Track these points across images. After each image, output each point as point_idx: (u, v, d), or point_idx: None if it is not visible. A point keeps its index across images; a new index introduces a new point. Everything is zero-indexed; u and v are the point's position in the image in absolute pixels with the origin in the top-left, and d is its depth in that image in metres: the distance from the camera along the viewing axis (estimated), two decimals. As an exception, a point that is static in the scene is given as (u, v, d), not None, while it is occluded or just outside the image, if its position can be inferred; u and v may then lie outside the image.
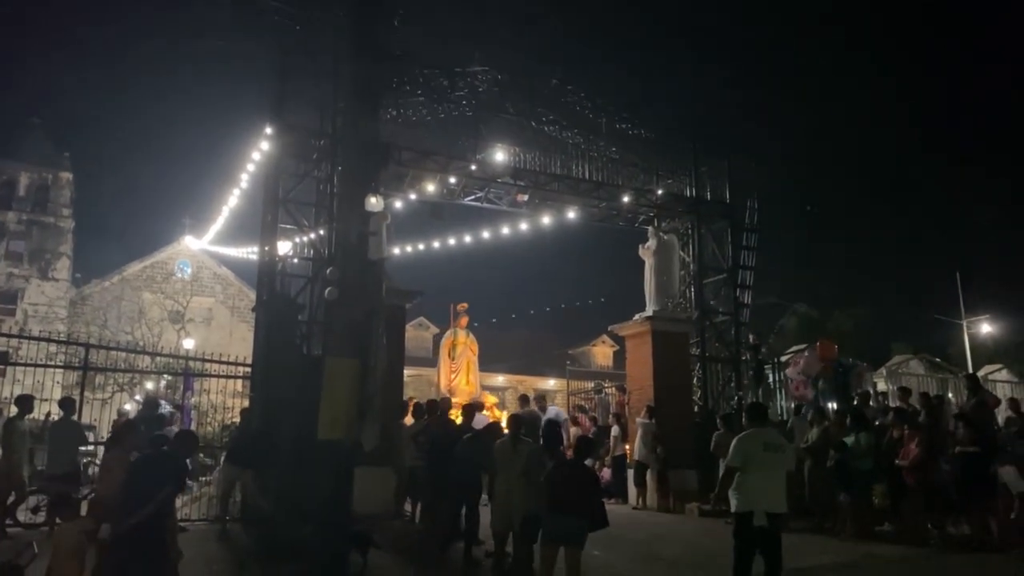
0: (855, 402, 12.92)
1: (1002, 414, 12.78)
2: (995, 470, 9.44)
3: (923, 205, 60.47)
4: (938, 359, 22.11)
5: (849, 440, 10.35)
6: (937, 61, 69.92)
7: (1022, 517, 9.52)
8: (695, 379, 14.91)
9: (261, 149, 12.59)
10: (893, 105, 71.29)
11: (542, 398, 15.36)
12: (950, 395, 16.82)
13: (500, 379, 33.96)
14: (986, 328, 30.22)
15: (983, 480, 9.38)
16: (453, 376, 16.61)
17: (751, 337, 15.86)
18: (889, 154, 65.66)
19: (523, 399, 14.72)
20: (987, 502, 9.52)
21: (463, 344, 16.84)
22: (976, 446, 9.46)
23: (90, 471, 13.02)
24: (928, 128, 68.61)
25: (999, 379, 18.75)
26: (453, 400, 15.70)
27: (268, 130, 11.94)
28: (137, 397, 22.77)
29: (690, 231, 15.69)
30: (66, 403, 10.19)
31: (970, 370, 21.11)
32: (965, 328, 28.81)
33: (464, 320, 17.08)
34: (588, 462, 13.65)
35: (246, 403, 12.07)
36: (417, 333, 35.46)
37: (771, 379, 15.80)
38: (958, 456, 9.62)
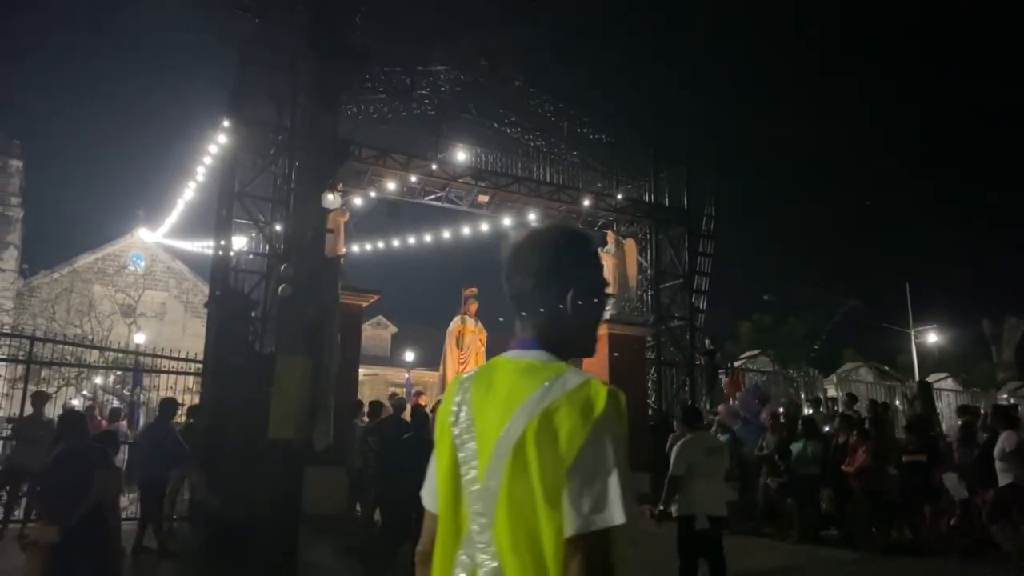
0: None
1: (946, 421, 13.15)
2: (939, 477, 9.70)
3: (876, 219, 61.84)
4: (887, 367, 22.63)
5: (796, 447, 10.55)
6: (893, 74, 71.62)
7: (962, 522, 9.81)
8: (650, 382, 15.04)
9: (218, 142, 12.39)
10: (848, 116, 72.83)
11: None
12: (897, 402, 17.24)
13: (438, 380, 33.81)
14: (932, 338, 31.02)
15: (928, 487, 9.63)
16: (461, 367, 15.08)
17: (707, 342, 16.07)
18: (844, 166, 67.04)
19: None
20: (931, 508, 9.77)
21: (472, 332, 15.49)
22: (922, 454, 9.70)
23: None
24: (883, 141, 70.22)
25: (944, 387, 19.25)
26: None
27: (225, 123, 11.75)
28: (84, 392, 22.24)
29: (648, 236, 15.84)
30: (37, 398, 10.06)
31: (917, 378, 21.63)
32: (913, 337, 29.52)
33: (473, 306, 15.59)
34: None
35: (197, 400, 11.87)
36: (375, 332, 35.19)
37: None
38: (905, 464, 9.81)
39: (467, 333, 15.42)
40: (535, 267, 1.59)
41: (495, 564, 1.42)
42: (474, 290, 15.67)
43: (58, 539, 5.16)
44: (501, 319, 15.07)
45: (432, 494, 1.62)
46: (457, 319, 15.57)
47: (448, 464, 1.56)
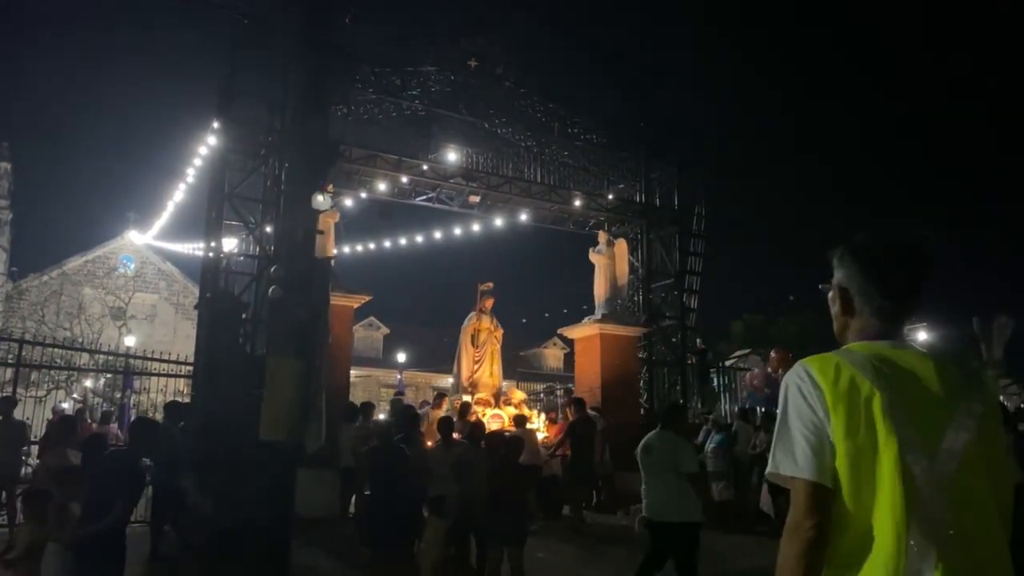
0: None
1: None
2: None
3: (866, 214, 62.15)
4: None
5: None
6: (886, 74, 71.97)
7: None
8: (641, 382, 15.06)
9: (208, 143, 12.35)
10: (841, 117, 73.18)
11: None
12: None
13: (451, 380, 33.76)
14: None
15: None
16: (476, 367, 14.48)
17: (698, 341, 16.10)
18: (835, 162, 67.37)
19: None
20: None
21: (487, 330, 14.65)
22: None
23: (22, 471, 12.66)
24: (879, 141, 70.60)
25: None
26: (476, 396, 13.94)
27: (215, 124, 11.71)
28: (75, 395, 22.12)
29: (640, 236, 15.86)
30: (5, 402, 9.96)
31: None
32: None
33: (489, 302, 14.74)
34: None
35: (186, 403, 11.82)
36: (367, 333, 35.16)
37: (715, 383, 16.04)
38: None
39: (482, 331, 14.67)
40: (920, 275, 1.92)
41: (950, 516, 1.65)
42: (490, 285, 14.88)
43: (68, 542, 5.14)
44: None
45: (828, 471, 1.76)
46: (473, 316, 14.76)
47: (889, 443, 1.68)
